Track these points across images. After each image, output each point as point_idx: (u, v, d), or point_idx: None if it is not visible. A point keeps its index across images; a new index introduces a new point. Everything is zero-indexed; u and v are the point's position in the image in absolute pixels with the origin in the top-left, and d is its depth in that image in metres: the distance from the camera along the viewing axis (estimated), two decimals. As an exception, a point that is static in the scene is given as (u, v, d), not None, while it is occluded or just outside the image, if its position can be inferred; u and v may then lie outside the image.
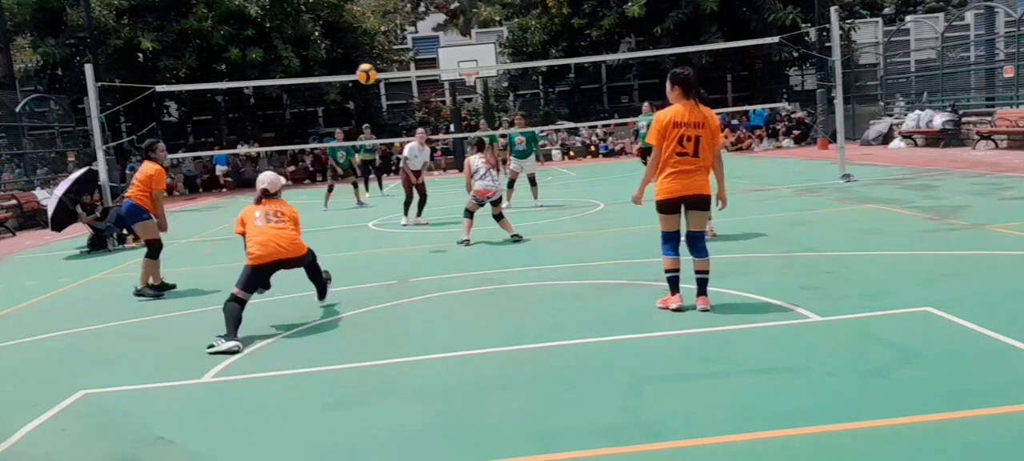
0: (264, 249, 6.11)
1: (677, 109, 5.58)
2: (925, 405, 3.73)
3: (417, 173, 12.30)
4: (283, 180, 6.90)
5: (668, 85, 5.67)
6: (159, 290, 8.06)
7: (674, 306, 5.74)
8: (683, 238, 5.80)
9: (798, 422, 3.64)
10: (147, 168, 8.21)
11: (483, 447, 3.67)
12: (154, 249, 8.11)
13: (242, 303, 5.94)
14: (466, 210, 9.93)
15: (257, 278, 6.13)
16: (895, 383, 4.06)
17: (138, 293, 7.99)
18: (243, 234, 6.39)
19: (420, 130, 13.63)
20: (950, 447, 3.33)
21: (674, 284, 5.76)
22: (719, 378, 4.34)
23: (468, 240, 9.82)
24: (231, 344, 5.60)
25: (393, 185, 19.75)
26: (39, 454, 4.01)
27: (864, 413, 3.68)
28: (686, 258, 5.81)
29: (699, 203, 5.64)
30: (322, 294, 6.83)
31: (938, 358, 4.39)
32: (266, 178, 6.71)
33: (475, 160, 10.01)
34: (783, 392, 4.05)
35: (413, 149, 12.36)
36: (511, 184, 13.69)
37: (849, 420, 3.62)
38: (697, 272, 5.73)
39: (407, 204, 12.29)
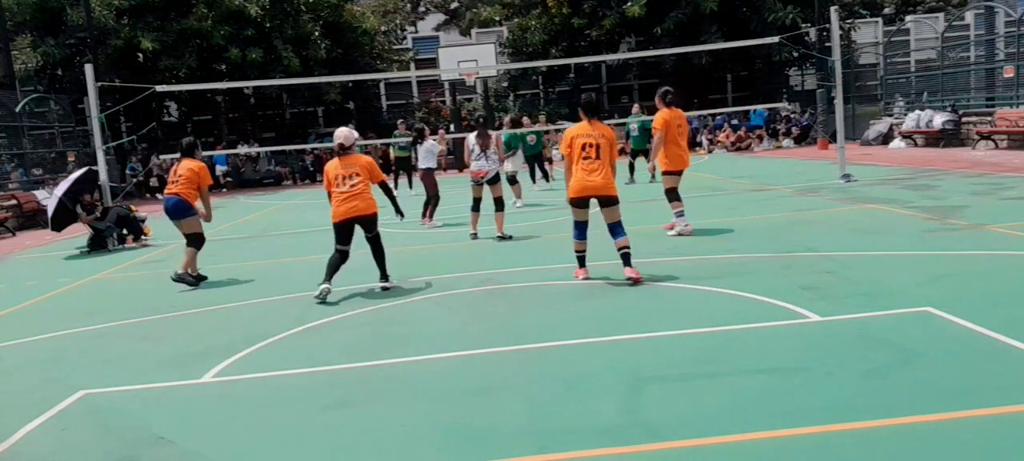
0: (339, 209, 7.18)
1: (581, 126, 6.98)
2: (925, 405, 3.73)
3: (428, 171, 12.19)
4: (356, 134, 7.53)
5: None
6: (197, 280, 8.36)
7: (582, 277, 7.04)
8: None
9: (798, 422, 3.64)
10: (191, 164, 8.52)
11: (483, 447, 3.67)
12: (199, 241, 8.50)
13: (340, 254, 7.19)
14: (474, 199, 10.21)
15: (339, 233, 7.21)
16: (895, 383, 4.06)
17: (178, 278, 8.23)
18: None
19: (425, 128, 13.54)
20: (950, 447, 3.33)
21: (582, 261, 7.11)
22: (719, 378, 4.34)
23: (475, 234, 10.12)
24: (321, 287, 6.94)
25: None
26: (39, 454, 4.01)
27: (864, 413, 3.68)
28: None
29: (608, 201, 6.82)
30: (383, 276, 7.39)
31: (938, 358, 4.39)
32: (340, 134, 7.38)
33: (470, 139, 10.33)
34: (783, 392, 4.05)
35: (430, 146, 12.36)
36: (514, 180, 13.94)
37: (849, 420, 3.62)
38: (619, 249, 6.83)
39: (433, 204, 12.11)
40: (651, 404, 4.03)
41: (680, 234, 9.10)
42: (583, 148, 6.79)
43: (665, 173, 9.37)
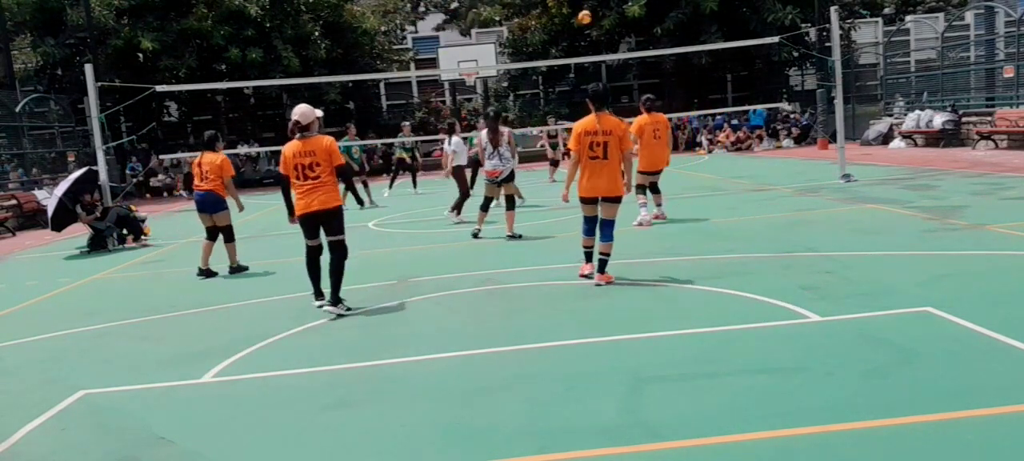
0: (299, 204, 6.57)
1: (589, 121, 6.78)
2: (925, 405, 3.73)
3: (460, 169, 12.12)
4: (319, 112, 6.63)
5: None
6: (210, 273, 8.88)
7: (587, 272, 7.04)
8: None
9: (798, 422, 3.64)
10: (213, 159, 8.87)
11: (483, 447, 3.67)
12: (231, 232, 9.12)
13: (310, 252, 6.68)
14: (484, 197, 10.11)
15: (304, 227, 6.65)
16: (895, 383, 4.06)
17: (232, 272, 8.98)
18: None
19: (456, 123, 13.60)
20: (950, 447, 3.33)
21: (588, 257, 7.10)
22: (719, 378, 4.34)
23: (478, 231, 10.07)
24: (317, 305, 6.58)
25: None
26: (39, 454, 4.01)
27: (864, 413, 3.68)
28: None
29: (611, 199, 6.84)
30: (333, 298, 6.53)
31: (938, 358, 4.39)
32: (297, 111, 6.54)
33: (483, 137, 10.13)
34: (783, 392, 4.05)
35: (458, 143, 12.26)
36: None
37: (849, 420, 3.62)
38: (601, 253, 6.87)
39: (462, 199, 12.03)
40: (651, 404, 4.03)
41: (640, 224, 9.87)
42: (591, 147, 6.72)
43: (638, 172, 10.00)
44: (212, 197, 8.92)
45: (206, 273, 8.89)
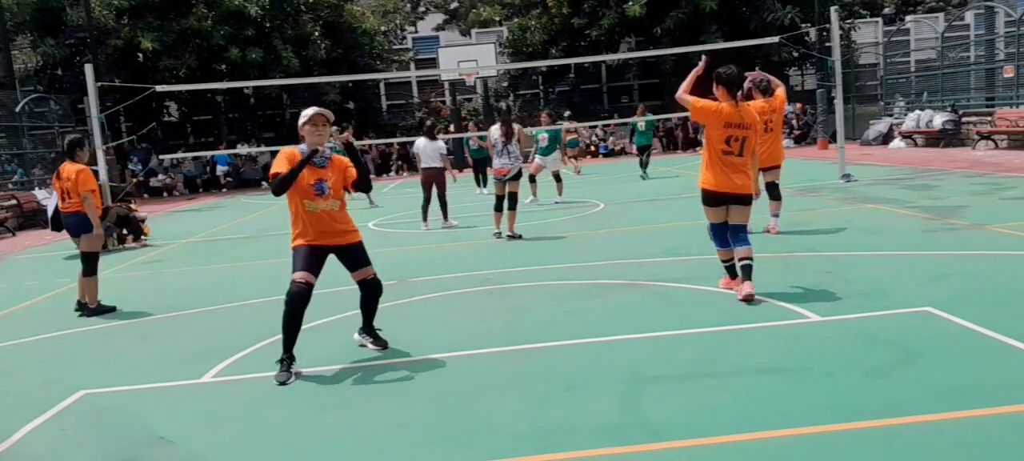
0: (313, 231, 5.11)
1: (728, 107, 5.90)
2: (925, 405, 3.73)
3: (432, 171, 11.54)
4: (307, 113, 5.16)
5: (714, 84, 6.05)
6: (87, 308, 7.28)
7: (739, 291, 5.89)
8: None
9: (798, 422, 3.64)
10: (70, 172, 7.22)
11: (483, 447, 3.67)
12: (93, 264, 7.28)
13: (299, 294, 4.94)
14: (496, 197, 10.01)
15: (307, 260, 5.18)
16: (895, 383, 4.06)
17: (90, 313, 7.21)
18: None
19: (435, 124, 13.45)
20: (950, 447, 3.32)
21: (731, 270, 6.12)
22: (719, 378, 4.34)
23: (499, 233, 9.99)
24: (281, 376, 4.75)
25: (393, 186, 19.75)
26: (39, 454, 4.01)
27: (864, 413, 3.68)
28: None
29: (741, 199, 5.97)
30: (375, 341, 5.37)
31: (938, 358, 4.39)
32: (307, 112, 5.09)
33: (493, 131, 9.99)
34: (783, 392, 4.05)
35: (422, 144, 11.66)
36: (532, 178, 13.90)
37: (849, 420, 3.62)
38: (742, 259, 5.92)
39: (424, 207, 11.65)
40: (651, 404, 4.03)
41: (768, 231, 8.57)
42: (728, 141, 5.83)
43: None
44: (79, 218, 7.21)
45: (82, 306, 7.32)
